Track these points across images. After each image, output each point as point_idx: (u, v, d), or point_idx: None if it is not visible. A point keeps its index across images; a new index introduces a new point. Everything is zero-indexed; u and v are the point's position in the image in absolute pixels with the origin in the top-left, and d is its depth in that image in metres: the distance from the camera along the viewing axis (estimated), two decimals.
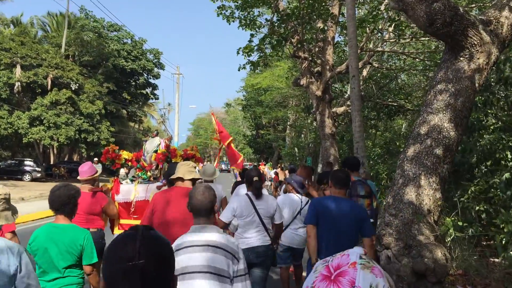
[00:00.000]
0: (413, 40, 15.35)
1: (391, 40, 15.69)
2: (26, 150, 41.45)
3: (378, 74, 20.81)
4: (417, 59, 17.49)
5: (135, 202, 5.62)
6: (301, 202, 5.80)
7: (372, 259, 1.52)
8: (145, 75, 44.94)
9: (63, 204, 3.25)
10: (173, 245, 2.72)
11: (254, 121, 47.88)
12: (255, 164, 38.86)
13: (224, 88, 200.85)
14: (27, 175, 29.71)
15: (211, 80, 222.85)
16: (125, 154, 6.33)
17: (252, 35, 11.96)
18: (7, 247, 2.37)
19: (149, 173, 6.16)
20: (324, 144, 15.55)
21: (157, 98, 52.03)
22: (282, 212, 5.13)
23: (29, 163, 31.09)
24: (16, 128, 29.39)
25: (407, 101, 20.28)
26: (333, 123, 15.56)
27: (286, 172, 23.84)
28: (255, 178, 4.79)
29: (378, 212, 5.61)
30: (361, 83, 17.10)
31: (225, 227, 4.62)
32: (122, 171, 6.77)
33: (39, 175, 30.30)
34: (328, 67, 14.94)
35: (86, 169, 5.32)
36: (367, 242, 4.03)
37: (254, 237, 4.59)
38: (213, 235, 2.76)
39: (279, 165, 29.56)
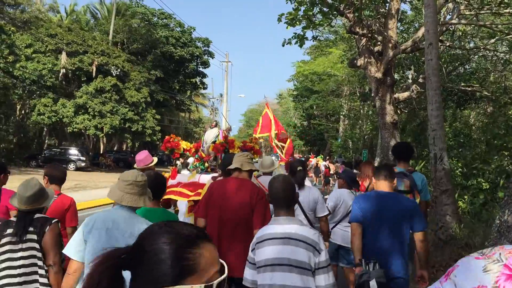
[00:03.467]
0: (498, 11, 12.75)
1: (468, 13, 13.19)
2: (76, 138, 41.61)
3: (447, 56, 18.23)
4: (498, 38, 14.82)
5: (182, 184, 5.37)
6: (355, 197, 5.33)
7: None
8: (194, 63, 44.00)
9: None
10: (256, 237, 2.83)
11: (305, 111, 45.84)
12: (303, 156, 37.22)
13: (277, 78, 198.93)
14: (72, 164, 29.14)
15: (262, 70, 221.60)
16: (184, 144, 6.37)
17: (299, 3, 9.95)
18: (145, 223, 2.81)
19: (206, 164, 6.15)
20: (384, 135, 13.37)
21: (206, 88, 51.20)
22: (326, 205, 4.99)
23: (73, 152, 30.60)
24: (61, 116, 28.93)
25: (481, 87, 17.61)
26: (395, 111, 13.34)
27: (337, 165, 21.93)
28: (299, 168, 4.78)
29: (423, 210, 4.84)
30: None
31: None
32: (190, 159, 6.64)
33: (83, 164, 29.74)
34: (390, 45, 12.75)
35: (142, 158, 5.37)
36: (419, 236, 3.69)
37: None
38: (293, 227, 2.73)
39: (328, 158, 27.55)
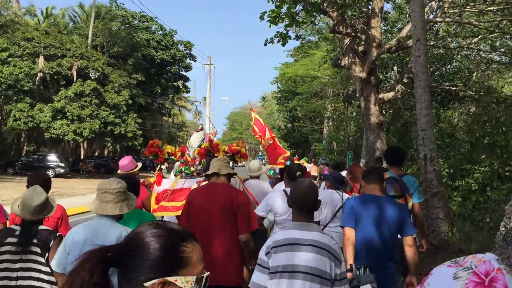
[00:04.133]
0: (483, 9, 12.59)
1: (452, 11, 13.01)
2: (56, 144, 40.72)
3: (430, 56, 18.10)
4: (481, 36, 14.70)
5: (170, 190, 5.35)
6: (342, 199, 5.30)
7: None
8: (176, 66, 43.47)
9: None
10: (272, 240, 2.68)
11: (289, 113, 45.60)
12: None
13: (260, 81, 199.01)
14: (50, 170, 28.09)
15: (246, 73, 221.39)
16: (168, 148, 6.26)
17: (282, 1, 9.59)
18: (125, 231, 2.84)
19: (192, 168, 6.09)
20: (369, 136, 13.11)
21: (189, 91, 50.64)
22: (320, 210, 4.85)
23: (52, 158, 29.79)
24: (38, 121, 28.14)
25: (465, 86, 17.49)
26: (380, 111, 13.09)
27: (321, 167, 21.73)
28: (298, 173, 4.61)
29: (416, 213, 4.78)
30: (413, 65, 14.61)
31: (260, 220, 4.48)
32: (176, 164, 6.65)
33: (62, 170, 28.92)
34: (375, 44, 12.50)
35: (126, 163, 5.31)
36: (408, 241, 3.67)
37: None
38: (316, 234, 2.66)
39: (313, 160, 27.29)
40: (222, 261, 3.67)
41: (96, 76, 29.57)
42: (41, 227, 3.21)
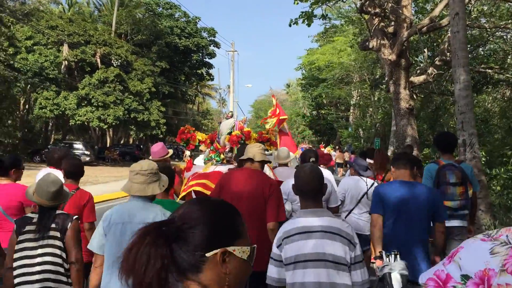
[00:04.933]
0: None
1: None
2: (83, 132, 41.11)
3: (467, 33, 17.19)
4: None
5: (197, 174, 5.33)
6: (366, 185, 5.31)
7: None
8: (200, 54, 43.18)
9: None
10: (282, 231, 2.60)
11: (314, 100, 44.85)
12: (313, 146, 36.36)
13: (285, 68, 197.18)
14: None
15: (270, 60, 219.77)
16: (199, 135, 6.25)
17: None
18: (161, 211, 2.93)
19: (222, 155, 6.02)
20: (399, 122, 12.49)
21: (213, 79, 50.39)
22: (338, 194, 5.01)
23: (78, 146, 29.81)
24: (63, 109, 28.26)
25: (501, 69, 16.57)
26: (411, 95, 12.44)
27: (346, 154, 21.30)
28: (312, 159, 4.62)
29: (474, 201, 4.70)
30: (446, 46, 13.85)
31: None
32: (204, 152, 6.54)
33: (88, 158, 28.89)
34: (405, 24, 11.83)
35: (157, 150, 5.37)
36: (439, 227, 3.62)
37: None
38: (326, 219, 2.56)
39: (338, 148, 26.73)
40: None
41: (119, 63, 29.47)
42: (58, 211, 3.23)
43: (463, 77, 5.86)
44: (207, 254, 1.08)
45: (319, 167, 5.36)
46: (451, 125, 18.30)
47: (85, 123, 29.98)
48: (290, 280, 2.53)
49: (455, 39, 5.99)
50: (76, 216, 3.28)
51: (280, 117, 7.44)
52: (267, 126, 7.28)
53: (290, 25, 10.68)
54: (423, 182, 4.56)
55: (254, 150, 4.09)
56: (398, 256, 3.33)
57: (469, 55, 17.59)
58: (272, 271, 2.61)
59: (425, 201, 3.57)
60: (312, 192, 2.65)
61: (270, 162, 4.48)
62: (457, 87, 5.98)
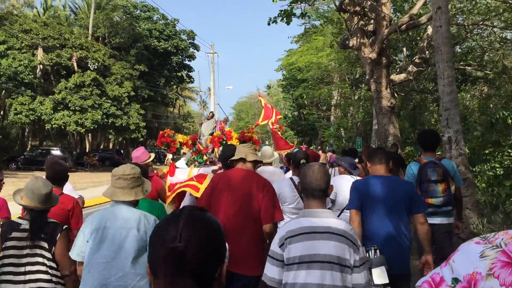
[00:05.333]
0: None
1: None
2: (61, 138, 40.29)
3: None
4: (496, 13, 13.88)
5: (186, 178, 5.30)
6: None
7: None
8: (179, 56, 42.78)
9: None
10: (286, 231, 2.52)
11: (295, 101, 44.78)
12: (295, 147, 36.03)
13: (266, 69, 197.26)
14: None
15: (251, 62, 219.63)
16: (180, 138, 6.19)
17: None
18: (143, 215, 2.88)
19: (205, 157, 6.00)
20: (381, 121, 12.38)
21: (193, 81, 50.00)
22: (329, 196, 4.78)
23: (55, 152, 29.23)
24: (39, 114, 27.59)
25: (479, 66, 16.66)
26: (392, 94, 12.35)
27: (328, 154, 21.37)
28: (302, 161, 4.57)
29: (458, 197, 4.73)
30: (425, 44, 13.83)
31: None
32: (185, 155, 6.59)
33: (66, 164, 28.43)
34: (385, 22, 11.74)
35: (139, 154, 5.35)
36: (419, 219, 3.55)
37: None
38: (332, 221, 2.52)
39: (320, 148, 26.66)
40: (244, 250, 3.51)
41: (96, 67, 28.91)
42: (48, 219, 3.09)
43: (447, 73, 5.73)
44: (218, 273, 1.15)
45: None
46: (432, 121, 18.35)
47: (62, 127, 29.28)
48: (291, 280, 2.45)
49: (438, 33, 5.85)
50: (65, 226, 3.15)
51: (278, 117, 7.60)
52: (265, 123, 7.37)
53: (269, 24, 10.47)
54: None
55: (245, 150, 3.97)
56: (378, 251, 3.35)
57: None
58: (274, 271, 2.51)
59: (401, 194, 3.58)
60: (319, 192, 2.59)
61: (261, 162, 4.37)
62: (441, 83, 5.84)
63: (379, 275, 3.24)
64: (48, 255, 2.97)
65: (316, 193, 2.60)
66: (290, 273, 2.46)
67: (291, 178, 4.55)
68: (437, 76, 5.93)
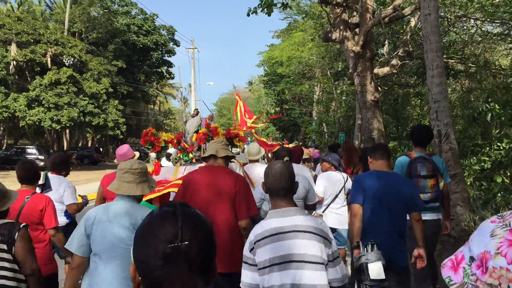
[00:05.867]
0: None
1: None
2: (39, 137, 39.29)
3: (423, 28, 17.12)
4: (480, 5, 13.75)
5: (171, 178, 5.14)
6: (343, 178, 5.40)
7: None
8: (159, 52, 42.06)
9: None
10: (254, 234, 2.47)
11: (277, 97, 44.49)
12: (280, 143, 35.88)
13: (247, 65, 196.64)
14: None
15: (232, 58, 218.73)
16: (164, 136, 6.03)
17: None
18: (148, 212, 2.44)
19: (191, 155, 5.87)
20: (364, 115, 12.15)
21: (173, 77, 49.27)
22: (318, 190, 5.03)
23: (31, 151, 28.42)
24: (13, 111, 26.72)
25: (461, 59, 16.58)
26: (376, 88, 12.13)
27: (311, 150, 21.26)
28: (286, 158, 4.61)
29: (446, 194, 4.75)
30: (408, 36, 13.65)
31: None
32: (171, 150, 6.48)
33: (42, 163, 27.55)
34: (368, 14, 11.49)
35: (123, 153, 5.20)
36: (416, 216, 3.65)
37: None
38: (299, 218, 2.44)
39: (301, 144, 26.44)
40: (223, 247, 3.35)
41: (71, 62, 28.12)
42: (2, 221, 2.91)
43: (437, 63, 5.46)
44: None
45: (297, 164, 5.39)
46: (415, 116, 18.23)
47: (37, 123, 28.39)
48: (266, 284, 2.38)
49: (426, 22, 5.57)
50: (24, 224, 2.95)
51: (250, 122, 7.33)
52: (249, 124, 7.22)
53: (248, 15, 10.11)
54: None
55: (216, 146, 3.93)
56: (375, 246, 3.36)
57: None
58: (248, 277, 2.45)
59: (402, 191, 3.62)
60: (283, 191, 2.51)
61: (234, 157, 4.34)
62: (429, 74, 5.57)
63: (376, 271, 3.24)
64: (8, 256, 2.81)
65: (280, 192, 2.52)
66: (264, 277, 2.40)
67: None
68: (426, 67, 5.66)
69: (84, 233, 2.81)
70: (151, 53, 41.09)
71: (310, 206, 4.65)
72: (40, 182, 4.44)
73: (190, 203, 3.51)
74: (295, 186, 2.59)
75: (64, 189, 4.67)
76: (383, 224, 3.56)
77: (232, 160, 4.64)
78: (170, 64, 45.16)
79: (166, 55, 43.69)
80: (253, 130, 7.82)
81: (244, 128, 7.22)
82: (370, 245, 3.38)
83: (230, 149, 4.22)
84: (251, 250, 2.46)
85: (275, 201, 2.56)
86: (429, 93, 5.69)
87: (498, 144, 6.75)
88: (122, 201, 2.86)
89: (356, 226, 3.64)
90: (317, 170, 7.58)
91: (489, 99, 12.63)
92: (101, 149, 38.88)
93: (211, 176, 3.75)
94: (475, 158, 8.32)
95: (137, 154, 5.50)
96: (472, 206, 5.70)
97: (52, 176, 4.69)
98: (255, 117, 7.70)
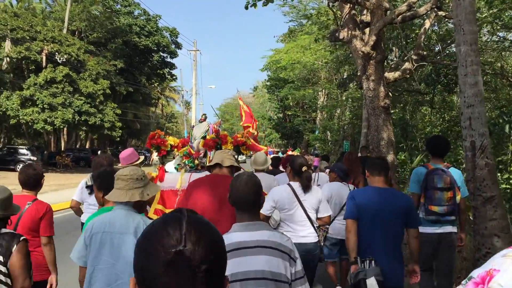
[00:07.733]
0: None
1: None
2: (37, 137, 38.35)
3: (436, 32, 16.10)
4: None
5: (181, 191, 4.93)
6: (350, 190, 5.21)
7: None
8: (161, 53, 41.19)
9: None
10: None
11: (280, 102, 43.47)
12: (280, 150, 35.01)
13: (252, 70, 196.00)
14: (21, 164, 25.99)
15: (236, 62, 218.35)
16: (171, 140, 5.76)
17: None
18: (143, 221, 2.77)
19: (196, 161, 5.62)
20: (373, 122, 11.04)
21: (175, 79, 48.41)
22: (328, 203, 4.77)
23: (23, 152, 27.61)
24: (4, 109, 25.79)
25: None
26: (386, 93, 11.04)
27: (310, 157, 20.30)
28: (304, 168, 4.36)
29: (462, 208, 4.58)
30: (422, 39, 12.60)
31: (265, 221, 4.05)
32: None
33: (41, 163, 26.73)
34: (380, 11, 10.44)
35: (126, 156, 5.22)
36: (413, 233, 3.67)
37: (298, 233, 4.17)
38: (264, 233, 2.37)
39: (303, 151, 25.47)
40: None
41: (64, 60, 27.15)
42: (3, 230, 2.85)
43: (471, 59, 4.38)
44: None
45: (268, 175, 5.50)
46: (420, 126, 17.12)
47: (30, 123, 27.47)
48: None
49: (459, 8, 4.49)
50: (23, 237, 2.88)
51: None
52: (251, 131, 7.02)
53: (246, 8, 9.18)
54: (410, 185, 4.73)
55: (222, 155, 4.00)
56: (373, 261, 3.35)
57: (445, 51, 16.45)
58: None
59: (400, 208, 3.60)
60: (247, 204, 2.44)
61: (240, 167, 4.17)
62: (462, 72, 4.49)
63: (373, 287, 3.21)
64: (4, 269, 2.74)
65: (245, 205, 2.45)
66: None
67: (289, 184, 4.34)
68: (458, 63, 4.59)
69: (84, 243, 2.80)
70: (153, 54, 40.30)
71: (324, 219, 4.40)
72: (89, 183, 4.68)
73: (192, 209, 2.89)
74: (261, 200, 2.50)
75: None
76: (380, 240, 3.54)
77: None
78: (172, 66, 44.37)
79: (168, 56, 42.90)
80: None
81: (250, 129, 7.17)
82: (368, 260, 3.37)
83: (236, 159, 4.17)
84: None
85: (240, 214, 2.47)
86: (461, 95, 4.60)
87: None
88: (118, 210, 2.81)
89: (351, 241, 3.62)
90: (316, 179, 7.48)
91: (504, 109, 11.57)
92: (98, 151, 37.97)
93: (214, 184, 3.76)
94: (499, 175, 7.26)
95: (141, 157, 5.47)
96: None
97: None
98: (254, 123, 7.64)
